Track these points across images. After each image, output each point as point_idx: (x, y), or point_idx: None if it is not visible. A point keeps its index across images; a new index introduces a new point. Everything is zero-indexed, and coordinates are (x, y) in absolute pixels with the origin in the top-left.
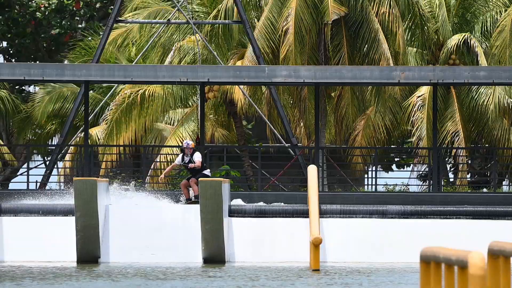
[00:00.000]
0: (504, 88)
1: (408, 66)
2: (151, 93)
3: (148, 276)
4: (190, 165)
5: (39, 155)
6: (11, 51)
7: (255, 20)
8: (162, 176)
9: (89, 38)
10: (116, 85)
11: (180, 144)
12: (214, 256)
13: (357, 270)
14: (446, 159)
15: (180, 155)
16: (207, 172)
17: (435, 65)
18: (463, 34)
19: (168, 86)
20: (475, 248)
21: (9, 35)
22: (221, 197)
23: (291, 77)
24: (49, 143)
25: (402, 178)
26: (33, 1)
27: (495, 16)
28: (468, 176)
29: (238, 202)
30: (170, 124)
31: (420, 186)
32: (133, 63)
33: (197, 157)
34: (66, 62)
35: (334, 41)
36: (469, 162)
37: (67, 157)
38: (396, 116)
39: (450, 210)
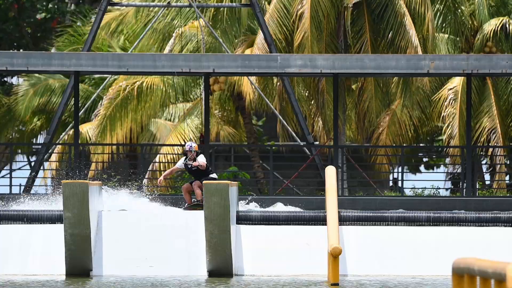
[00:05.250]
0: None
1: (438, 55)
2: (149, 86)
3: None
4: (194, 163)
5: (23, 155)
6: None
7: (266, 3)
8: (161, 178)
9: (79, 24)
10: (109, 76)
11: (183, 143)
12: (220, 268)
13: (381, 284)
14: (482, 159)
15: (182, 159)
16: (213, 175)
17: (469, 53)
18: (501, 18)
19: (168, 78)
20: None
21: None
22: (228, 202)
23: (307, 67)
24: (34, 142)
25: (432, 180)
26: None
27: None
28: (507, 178)
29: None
30: (170, 120)
31: (451, 190)
32: (128, 52)
33: (201, 158)
34: (53, 50)
35: (355, 26)
36: (508, 162)
37: (54, 157)
38: (425, 111)
39: (486, 217)
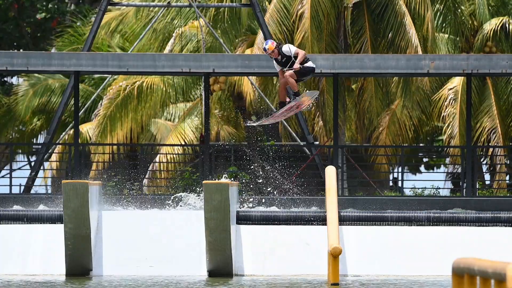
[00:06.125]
0: None
1: (438, 55)
2: (149, 86)
3: None
4: (296, 66)
5: (23, 155)
6: None
7: (266, 2)
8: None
9: (79, 24)
10: (109, 76)
11: (183, 143)
12: (220, 268)
13: (381, 284)
14: (482, 159)
15: (275, 64)
16: (309, 63)
17: (469, 53)
18: (501, 18)
19: (168, 78)
20: None
21: None
22: (228, 202)
23: None
24: (35, 142)
25: (432, 180)
26: None
27: None
28: (507, 178)
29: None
30: (170, 120)
31: (452, 190)
32: (128, 52)
33: (289, 47)
34: (53, 50)
35: (355, 26)
36: (508, 162)
37: (54, 157)
38: (425, 111)
39: (486, 217)
